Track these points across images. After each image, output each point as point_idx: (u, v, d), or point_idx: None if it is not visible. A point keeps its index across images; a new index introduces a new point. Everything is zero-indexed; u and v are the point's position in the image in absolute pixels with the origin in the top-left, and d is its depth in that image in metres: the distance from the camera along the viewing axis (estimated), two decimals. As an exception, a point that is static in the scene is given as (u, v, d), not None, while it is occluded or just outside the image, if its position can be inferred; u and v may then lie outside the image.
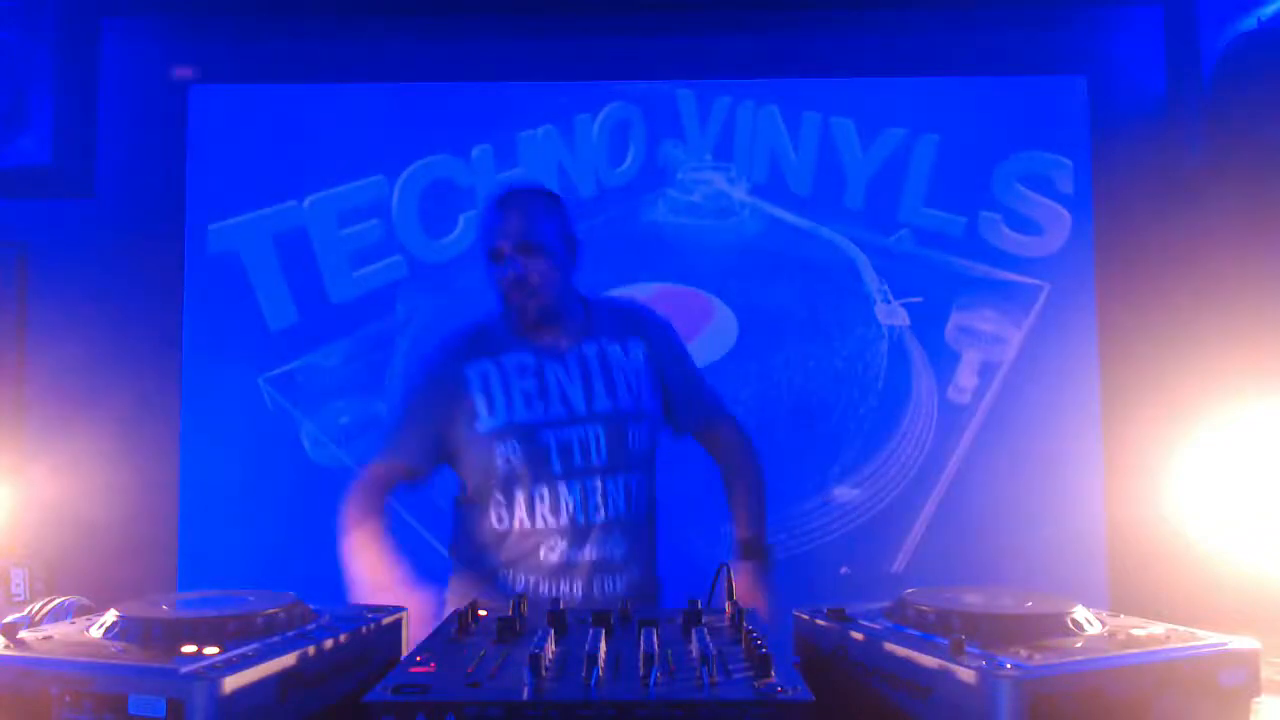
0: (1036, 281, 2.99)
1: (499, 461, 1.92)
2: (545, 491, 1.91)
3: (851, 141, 3.05)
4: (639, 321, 2.08)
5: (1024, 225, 3.01)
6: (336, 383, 3.03)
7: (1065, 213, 3.00)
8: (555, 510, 1.91)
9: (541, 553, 1.90)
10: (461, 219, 3.07)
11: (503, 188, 2.04)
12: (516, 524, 1.93)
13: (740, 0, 3.01)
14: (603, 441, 1.94)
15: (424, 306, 3.05)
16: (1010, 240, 3.01)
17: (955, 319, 2.99)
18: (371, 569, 1.82)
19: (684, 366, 2.10)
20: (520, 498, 1.93)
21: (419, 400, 2.03)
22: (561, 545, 1.90)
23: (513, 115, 3.08)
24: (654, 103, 3.07)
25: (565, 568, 1.90)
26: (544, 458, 1.92)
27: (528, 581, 1.90)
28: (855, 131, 3.05)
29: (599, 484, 1.91)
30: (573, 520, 1.91)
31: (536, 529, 1.91)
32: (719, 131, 3.06)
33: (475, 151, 3.07)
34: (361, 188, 3.08)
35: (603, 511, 1.91)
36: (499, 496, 1.94)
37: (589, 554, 1.90)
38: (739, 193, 3.04)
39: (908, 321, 2.99)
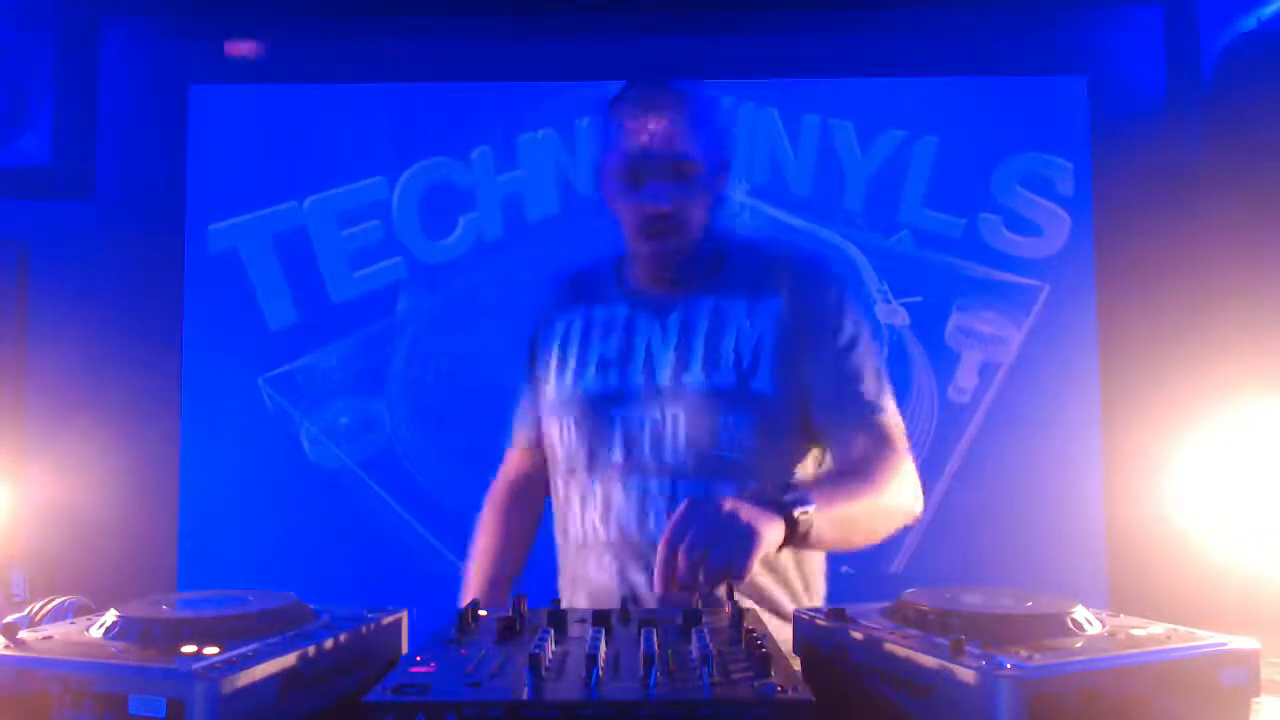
0: (1036, 282, 2.99)
1: (558, 441, 1.51)
2: (599, 489, 1.46)
3: (851, 143, 3.05)
4: (786, 269, 1.50)
5: (1024, 226, 3.01)
6: (336, 383, 3.03)
7: (1065, 214, 3.00)
8: (605, 517, 1.45)
9: (591, 573, 1.46)
10: (461, 220, 3.07)
11: (642, 80, 1.48)
12: (571, 529, 1.51)
13: (740, 1, 3.01)
14: (681, 429, 1.42)
15: (424, 307, 3.05)
16: (1010, 242, 3.01)
17: (955, 320, 2.99)
18: (473, 570, 1.59)
19: (829, 340, 1.45)
20: (575, 494, 1.50)
21: (526, 363, 1.63)
22: (613, 567, 1.43)
23: (513, 118, 3.08)
24: None
25: (621, 597, 1.41)
26: (604, 443, 1.45)
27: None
28: (854, 133, 3.05)
29: (671, 488, 1.41)
30: (624, 534, 1.42)
31: (587, 540, 1.47)
32: None
33: (475, 154, 3.07)
34: (361, 189, 3.08)
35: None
36: (559, 490, 1.54)
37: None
38: (739, 194, 3.04)
39: (908, 321, 2.99)
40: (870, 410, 1.46)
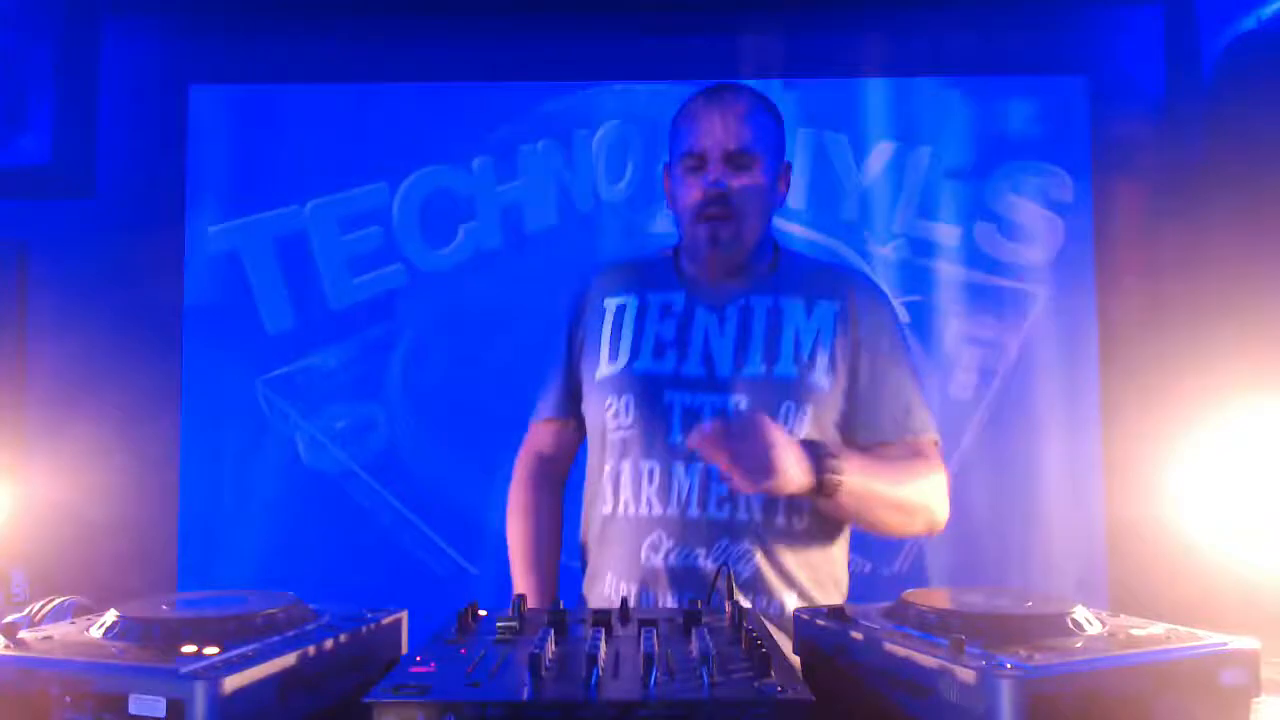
0: (1036, 286, 2.99)
1: (609, 419, 1.54)
2: (656, 468, 1.49)
3: (845, 156, 3.05)
4: (839, 280, 1.59)
5: (1022, 231, 3.01)
6: (334, 387, 3.03)
7: (1062, 219, 3.00)
8: (664, 496, 1.48)
9: (643, 551, 1.49)
10: (461, 229, 3.07)
11: (713, 83, 1.57)
12: (620, 507, 1.52)
13: (738, 2, 3.01)
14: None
15: (422, 315, 3.05)
16: (1008, 246, 3.01)
17: (954, 325, 2.99)
18: (514, 553, 1.63)
19: (882, 351, 1.54)
20: (626, 472, 1.52)
21: (560, 340, 1.68)
22: (667, 545, 1.47)
23: (514, 125, 3.08)
24: (651, 122, 3.06)
25: (672, 576, 1.46)
26: (662, 423, 1.49)
27: (628, 590, 1.47)
28: (849, 146, 3.05)
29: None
30: (684, 513, 1.46)
31: (639, 516, 1.49)
32: None
33: (476, 163, 3.07)
34: (363, 194, 3.07)
35: (729, 508, 1.45)
36: (605, 467, 1.56)
37: (705, 564, 1.44)
38: None
39: (907, 318, 2.99)
40: (911, 431, 1.55)
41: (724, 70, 3.05)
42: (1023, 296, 2.99)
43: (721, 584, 1.35)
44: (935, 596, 1.10)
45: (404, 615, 1.22)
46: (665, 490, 1.48)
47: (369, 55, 3.08)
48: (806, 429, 1.49)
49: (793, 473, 1.33)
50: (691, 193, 1.53)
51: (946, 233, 3.01)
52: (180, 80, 3.08)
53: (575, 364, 1.66)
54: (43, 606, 1.44)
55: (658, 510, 1.49)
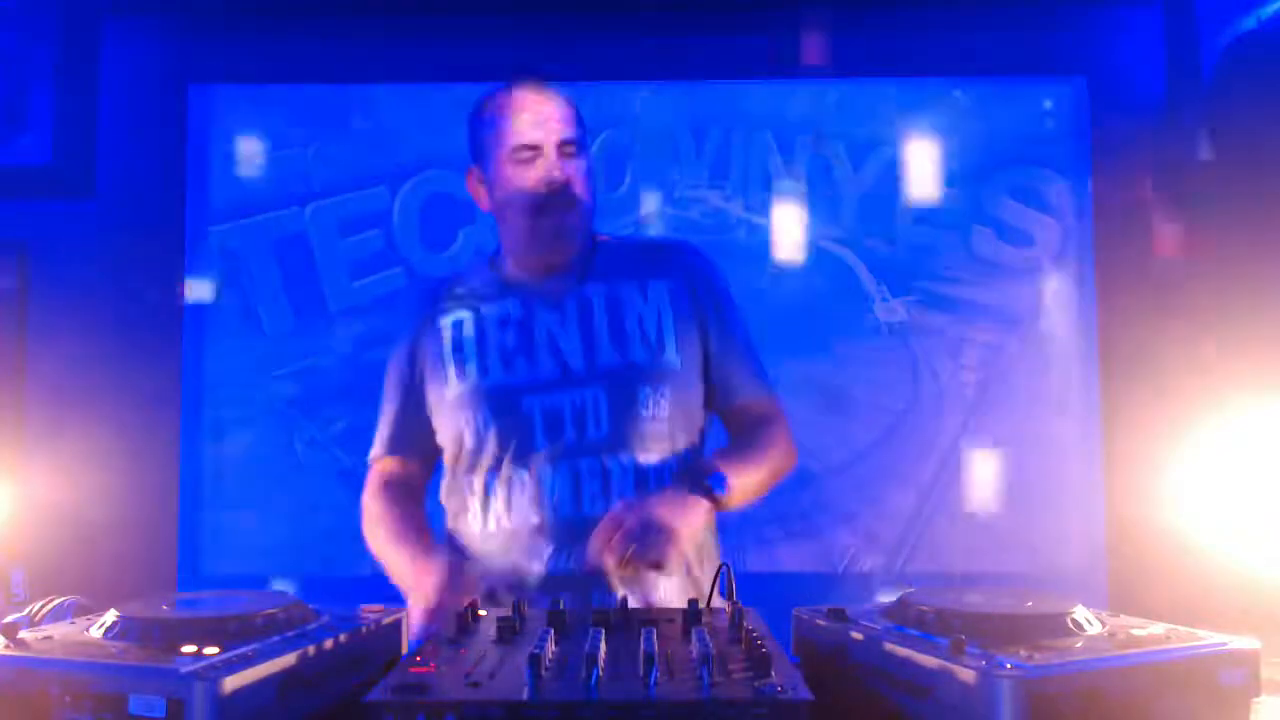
0: (1036, 286, 2.99)
1: (468, 437, 1.54)
2: (526, 477, 1.50)
3: (844, 159, 3.05)
4: (665, 258, 1.63)
5: (1021, 232, 3.01)
6: (334, 387, 3.03)
7: (1062, 218, 3.00)
8: (539, 501, 1.49)
9: (525, 560, 1.48)
10: (461, 234, 3.07)
11: (515, 80, 1.57)
12: (492, 521, 1.53)
13: (737, 1, 3.01)
14: (604, 408, 1.49)
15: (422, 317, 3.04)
16: (1008, 247, 3.01)
17: (954, 326, 2.99)
18: (382, 548, 1.58)
19: (724, 317, 1.62)
20: (496, 486, 1.52)
21: (394, 373, 1.67)
22: (547, 551, 1.47)
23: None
24: (651, 124, 3.06)
25: (555, 581, 1.45)
26: (525, 431, 1.50)
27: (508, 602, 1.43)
28: (846, 152, 3.04)
29: (600, 465, 1.48)
30: (559, 515, 1.48)
31: (515, 528, 1.50)
32: (713, 159, 3.06)
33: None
34: (363, 197, 3.07)
35: (603, 504, 1.45)
36: (472, 484, 1.55)
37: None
38: (735, 209, 3.04)
39: (907, 317, 2.99)
40: (759, 388, 1.64)
41: (724, 70, 3.05)
42: (1023, 297, 2.99)
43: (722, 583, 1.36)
44: (935, 596, 1.10)
45: (404, 615, 1.22)
46: (537, 496, 1.49)
47: (369, 56, 3.08)
48: (668, 410, 1.53)
49: (691, 527, 1.37)
50: (528, 186, 1.52)
51: (946, 234, 3.01)
52: (180, 80, 3.08)
53: (418, 393, 1.63)
54: (43, 606, 1.44)
55: (533, 517, 1.50)
